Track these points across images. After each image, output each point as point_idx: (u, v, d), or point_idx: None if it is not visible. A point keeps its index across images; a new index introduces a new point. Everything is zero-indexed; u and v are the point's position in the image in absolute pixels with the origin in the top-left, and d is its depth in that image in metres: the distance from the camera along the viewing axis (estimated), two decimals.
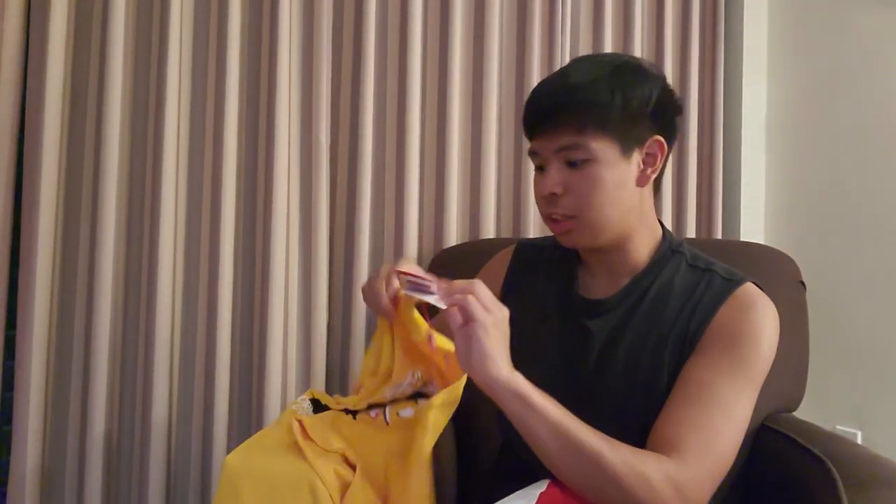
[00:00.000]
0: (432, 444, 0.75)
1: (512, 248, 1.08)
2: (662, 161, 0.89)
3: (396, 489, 0.76)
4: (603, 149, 0.84)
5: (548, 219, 0.90)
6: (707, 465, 0.76)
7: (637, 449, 0.76)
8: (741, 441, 0.80)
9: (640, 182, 0.88)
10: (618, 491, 0.72)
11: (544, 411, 0.74)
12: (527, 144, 1.59)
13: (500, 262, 1.07)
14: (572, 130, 0.84)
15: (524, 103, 0.91)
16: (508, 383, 0.74)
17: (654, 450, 0.77)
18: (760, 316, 0.83)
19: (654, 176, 0.89)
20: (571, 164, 0.85)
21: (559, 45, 1.54)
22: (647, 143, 0.87)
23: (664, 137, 0.88)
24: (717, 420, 0.78)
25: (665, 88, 0.88)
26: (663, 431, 0.79)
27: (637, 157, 0.87)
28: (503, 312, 0.76)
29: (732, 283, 0.86)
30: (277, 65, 1.33)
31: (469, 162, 1.51)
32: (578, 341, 0.91)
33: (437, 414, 0.76)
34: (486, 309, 0.74)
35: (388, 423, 0.81)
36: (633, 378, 0.86)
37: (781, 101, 1.70)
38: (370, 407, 0.83)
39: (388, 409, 0.81)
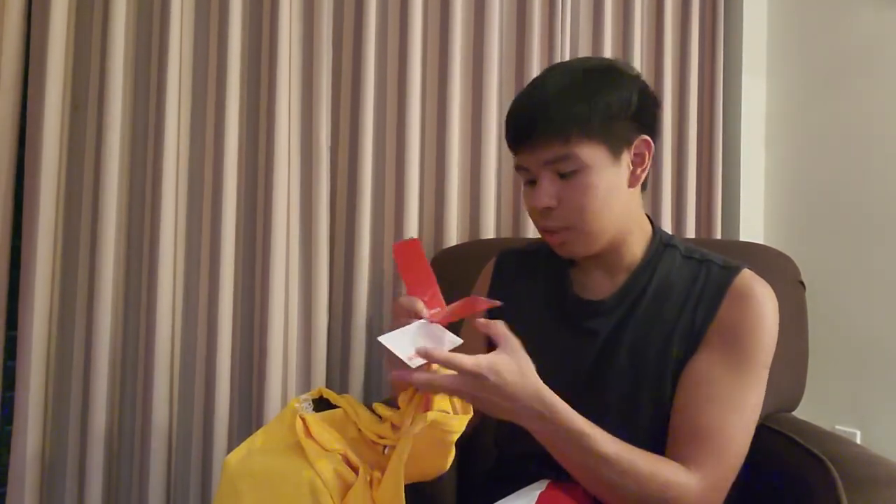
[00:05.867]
0: (407, 449, 0.72)
1: (493, 261, 1.07)
2: (650, 159, 0.89)
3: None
4: (592, 155, 0.83)
5: (543, 231, 0.90)
6: (723, 470, 0.79)
7: (656, 460, 0.78)
8: (752, 434, 0.82)
9: (632, 183, 0.88)
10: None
11: (567, 436, 0.75)
12: None
13: (482, 281, 1.06)
14: (558, 142, 0.83)
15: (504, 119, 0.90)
16: (522, 419, 0.75)
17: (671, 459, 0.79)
18: (760, 305, 0.84)
19: (644, 175, 0.89)
20: (563, 175, 0.84)
21: (559, 45, 1.54)
22: (635, 144, 0.87)
23: (650, 136, 0.88)
24: (729, 423, 0.80)
25: (644, 89, 0.88)
26: (677, 441, 0.81)
27: (626, 159, 0.87)
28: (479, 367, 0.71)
29: (730, 272, 0.87)
30: (277, 65, 1.33)
31: (469, 162, 1.51)
32: (578, 344, 0.91)
33: (424, 427, 0.73)
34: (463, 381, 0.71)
35: (384, 454, 0.81)
36: (639, 376, 0.86)
37: (781, 100, 1.70)
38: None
39: (387, 448, 0.82)
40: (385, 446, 0.81)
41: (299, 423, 0.79)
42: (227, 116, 1.31)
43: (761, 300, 0.85)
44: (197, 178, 1.34)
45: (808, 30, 1.64)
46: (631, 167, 0.87)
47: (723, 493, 0.79)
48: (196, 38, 1.34)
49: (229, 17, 1.31)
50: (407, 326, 0.75)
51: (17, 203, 1.24)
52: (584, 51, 1.62)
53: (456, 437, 0.75)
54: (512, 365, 0.72)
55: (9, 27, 1.20)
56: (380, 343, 0.72)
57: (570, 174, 0.84)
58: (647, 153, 0.88)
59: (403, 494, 0.72)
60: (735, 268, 0.88)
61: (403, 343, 0.73)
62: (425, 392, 0.74)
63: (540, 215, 0.88)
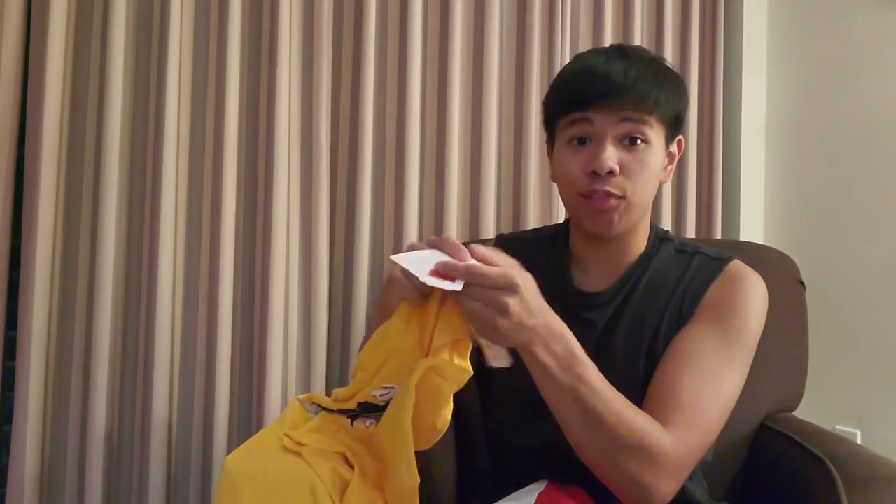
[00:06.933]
0: (412, 396, 0.69)
1: (493, 244, 1.07)
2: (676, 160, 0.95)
3: (385, 462, 0.74)
4: (656, 136, 0.87)
5: (586, 196, 0.86)
6: (694, 439, 0.78)
7: (639, 411, 0.77)
8: (729, 412, 0.83)
9: (663, 177, 0.92)
10: (614, 450, 0.74)
11: (559, 379, 0.73)
12: (528, 141, 1.59)
13: None
14: (643, 109, 0.84)
15: (569, 71, 0.91)
16: (535, 339, 0.72)
17: None
18: (749, 288, 0.87)
19: (671, 172, 0.94)
20: (629, 142, 0.85)
21: (559, 44, 1.54)
22: (674, 142, 0.92)
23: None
24: (706, 394, 0.80)
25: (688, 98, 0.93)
26: (652, 404, 0.81)
27: (667, 152, 0.91)
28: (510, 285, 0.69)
29: (721, 261, 0.91)
30: (277, 65, 1.33)
31: (469, 161, 1.51)
32: (577, 335, 0.91)
33: (422, 372, 0.70)
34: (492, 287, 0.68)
35: (372, 432, 0.80)
36: (633, 364, 0.88)
37: (781, 100, 1.70)
38: (365, 411, 0.81)
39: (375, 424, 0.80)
40: (378, 417, 0.78)
41: (286, 441, 0.78)
42: (226, 116, 1.31)
43: (751, 284, 0.88)
44: (197, 177, 1.34)
45: (808, 30, 1.64)
46: (665, 161, 0.92)
47: (690, 462, 0.78)
48: (196, 38, 1.34)
49: (229, 16, 1.31)
50: (420, 252, 0.69)
51: (17, 203, 1.24)
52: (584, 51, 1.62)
53: (453, 388, 0.71)
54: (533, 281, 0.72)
55: (9, 27, 1.20)
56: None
57: (637, 143, 0.85)
58: (677, 154, 0.94)
59: (413, 448, 0.69)
60: (727, 258, 0.92)
61: (418, 265, 0.67)
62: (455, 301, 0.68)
63: (592, 178, 0.85)
